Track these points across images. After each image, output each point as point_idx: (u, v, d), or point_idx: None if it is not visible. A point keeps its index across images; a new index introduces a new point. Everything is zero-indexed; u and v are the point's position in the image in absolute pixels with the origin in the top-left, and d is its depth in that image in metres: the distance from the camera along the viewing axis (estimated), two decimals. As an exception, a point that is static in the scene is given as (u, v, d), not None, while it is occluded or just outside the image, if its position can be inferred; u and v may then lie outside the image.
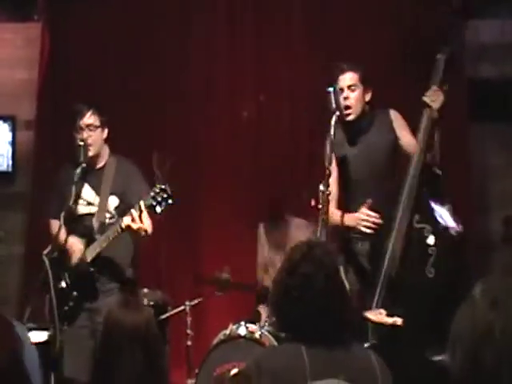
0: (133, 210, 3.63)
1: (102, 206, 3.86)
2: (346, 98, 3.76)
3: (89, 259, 3.79)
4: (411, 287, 3.26)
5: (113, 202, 3.90)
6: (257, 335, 4.16)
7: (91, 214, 3.88)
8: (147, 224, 3.73)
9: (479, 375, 1.52)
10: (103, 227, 3.83)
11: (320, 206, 3.46)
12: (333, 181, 3.70)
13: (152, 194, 3.58)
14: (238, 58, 5.32)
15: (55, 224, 3.91)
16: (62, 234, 3.75)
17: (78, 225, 3.86)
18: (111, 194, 3.89)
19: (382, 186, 3.72)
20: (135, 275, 4.04)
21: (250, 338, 4.13)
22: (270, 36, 5.30)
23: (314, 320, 2.10)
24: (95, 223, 3.85)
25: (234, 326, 4.24)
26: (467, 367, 1.54)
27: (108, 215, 3.88)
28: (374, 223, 3.54)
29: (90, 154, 3.85)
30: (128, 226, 3.64)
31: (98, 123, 3.89)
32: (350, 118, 3.79)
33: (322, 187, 3.48)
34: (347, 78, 3.80)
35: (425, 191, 3.45)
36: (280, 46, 5.29)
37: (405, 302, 3.20)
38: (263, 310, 4.60)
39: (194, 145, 5.29)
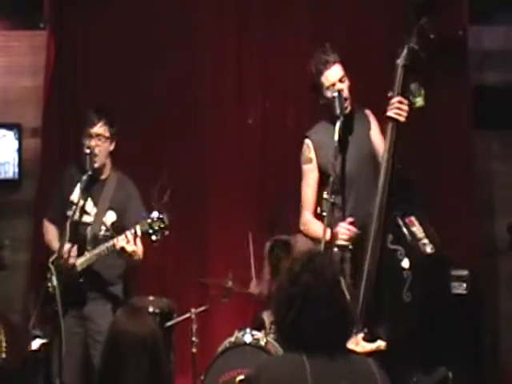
0: (128, 233, 3.63)
1: (99, 218, 3.85)
2: (341, 91, 3.50)
3: (79, 268, 3.77)
4: (390, 311, 3.11)
5: (110, 217, 3.89)
6: (262, 342, 4.16)
7: (85, 223, 3.88)
8: (140, 249, 3.73)
9: None
10: (96, 239, 3.82)
11: (324, 214, 3.42)
12: (310, 188, 3.61)
13: (149, 220, 3.59)
14: (244, 64, 5.33)
15: (50, 231, 3.92)
16: (53, 235, 3.78)
17: (76, 232, 3.82)
18: (110, 208, 3.88)
19: (371, 183, 3.49)
20: (126, 289, 4.03)
21: (255, 346, 4.14)
22: (277, 42, 5.31)
23: (316, 330, 2.10)
24: (89, 234, 3.84)
25: (240, 333, 4.25)
26: None
27: (103, 228, 3.87)
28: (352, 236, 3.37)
29: (96, 164, 3.84)
30: (122, 248, 3.64)
31: (107, 134, 3.88)
32: (347, 111, 3.53)
33: (325, 195, 3.41)
34: (338, 70, 3.53)
35: (398, 209, 3.24)
36: (286, 52, 5.30)
37: (385, 325, 3.12)
38: (267, 317, 4.61)
39: (201, 152, 5.30)
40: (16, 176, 5.40)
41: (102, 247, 3.74)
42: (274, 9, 5.32)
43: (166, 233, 3.62)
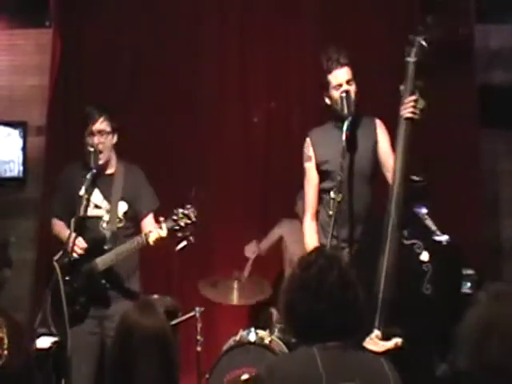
0: (159, 230, 3.65)
1: (113, 213, 3.86)
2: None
3: (101, 269, 3.78)
4: (409, 307, 3.14)
5: (122, 207, 3.91)
6: (266, 341, 4.16)
7: (98, 218, 3.87)
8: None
9: (486, 368, 1.52)
10: (115, 237, 3.82)
11: (331, 213, 3.41)
12: (312, 187, 3.64)
13: (174, 217, 3.61)
14: (248, 64, 5.33)
15: (58, 223, 3.91)
16: (65, 232, 3.78)
17: (86, 227, 3.83)
18: (121, 199, 3.90)
19: (367, 191, 3.60)
20: (139, 284, 4.03)
21: (259, 344, 4.14)
22: (281, 41, 5.31)
23: (330, 314, 2.10)
24: (107, 232, 3.84)
25: (244, 332, 4.25)
26: (474, 362, 1.54)
27: (118, 221, 3.88)
28: None
29: (101, 161, 3.83)
30: (158, 240, 3.67)
31: (109, 129, 3.89)
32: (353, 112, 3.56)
33: (332, 194, 3.42)
34: (345, 72, 3.58)
35: (411, 205, 3.30)
36: (291, 54, 5.29)
37: (405, 322, 3.11)
38: (275, 311, 4.61)
39: (205, 151, 5.30)
40: (21, 174, 5.41)
41: (123, 247, 3.73)
42: (279, 8, 5.31)
43: (192, 240, 3.63)
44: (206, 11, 5.36)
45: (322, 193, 3.66)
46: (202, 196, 3.75)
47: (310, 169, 3.67)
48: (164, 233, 3.64)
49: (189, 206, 3.65)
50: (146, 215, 3.91)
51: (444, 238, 3.21)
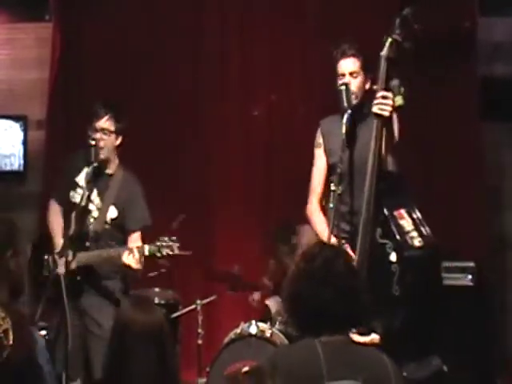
0: (135, 250, 3.58)
1: (102, 214, 3.80)
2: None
3: (73, 266, 3.66)
4: (381, 305, 3.14)
5: (112, 212, 3.84)
6: (267, 334, 4.15)
7: (88, 210, 3.84)
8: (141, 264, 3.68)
9: None
10: (97, 235, 3.78)
11: (331, 206, 3.40)
12: (318, 172, 3.61)
13: (159, 243, 3.57)
14: (249, 65, 5.32)
15: (55, 206, 3.89)
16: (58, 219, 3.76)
17: (77, 215, 3.75)
18: (113, 204, 3.85)
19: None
20: (125, 284, 3.99)
21: (260, 337, 4.12)
22: (282, 34, 5.30)
23: (337, 303, 2.10)
24: (92, 228, 3.80)
25: (245, 325, 4.23)
26: None
27: (105, 224, 3.83)
28: None
29: (101, 156, 3.81)
30: (127, 265, 3.59)
31: (112, 129, 3.82)
32: (353, 104, 3.46)
33: (333, 187, 3.40)
34: (350, 64, 3.52)
35: (385, 202, 3.19)
36: (292, 53, 5.29)
37: (376, 318, 3.10)
38: (272, 304, 4.60)
39: (207, 146, 5.29)
40: (21, 168, 5.42)
41: (105, 252, 3.69)
42: (279, 7, 5.31)
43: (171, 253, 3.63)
44: (207, 11, 5.36)
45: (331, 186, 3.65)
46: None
47: (319, 155, 3.67)
48: (146, 252, 3.59)
49: (174, 238, 3.61)
50: (133, 231, 3.84)
51: (416, 240, 3.16)
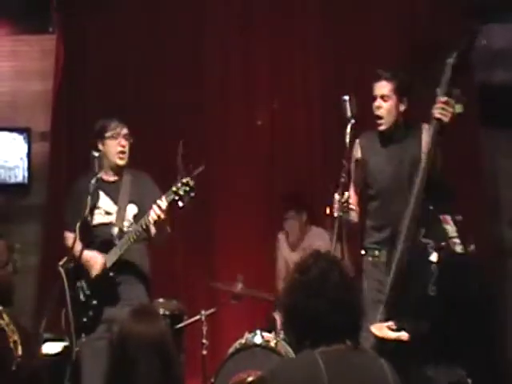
0: (155, 206, 3.63)
1: (121, 214, 3.87)
2: (377, 108, 3.71)
3: (108, 265, 3.78)
4: (414, 303, 3.17)
5: (131, 210, 3.91)
6: (272, 344, 4.16)
7: (109, 224, 3.89)
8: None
9: None
10: (122, 233, 3.84)
11: (336, 215, 3.44)
12: (354, 183, 3.77)
13: (174, 188, 3.60)
14: (251, 66, 5.34)
15: (71, 237, 3.92)
16: (78, 245, 3.77)
17: (96, 235, 3.85)
18: (130, 202, 3.92)
19: (405, 200, 3.53)
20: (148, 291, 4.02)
21: (265, 347, 4.14)
22: (284, 43, 5.31)
23: (334, 313, 2.11)
24: (114, 230, 3.86)
25: (250, 335, 4.24)
26: None
27: (126, 223, 3.89)
28: None
29: (123, 162, 3.90)
30: (155, 221, 3.64)
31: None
32: (381, 128, 3.73)
33: (337, 196, 3.46)
34: (380, 87, 3.71)
35: (432, 205, 3.30)
36: (294, 53, 5.30)
37: (408, 317, 3.13)
38: (278, 316, 4.61)
39: (209, 154, 5.29)
40: (25, 180, 5.44)
41: (129, 233, 3.75)
42: (281, 8, 5.33)
43: (192, 194, 3.63)
44: (208, 11, 5.37)
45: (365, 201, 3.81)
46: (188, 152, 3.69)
47: (354, 169, 3.81)
48: (164, 204, 3.61)
49: (186, 176, 3.65)
50: None
51: (459, 247, 3.22)
